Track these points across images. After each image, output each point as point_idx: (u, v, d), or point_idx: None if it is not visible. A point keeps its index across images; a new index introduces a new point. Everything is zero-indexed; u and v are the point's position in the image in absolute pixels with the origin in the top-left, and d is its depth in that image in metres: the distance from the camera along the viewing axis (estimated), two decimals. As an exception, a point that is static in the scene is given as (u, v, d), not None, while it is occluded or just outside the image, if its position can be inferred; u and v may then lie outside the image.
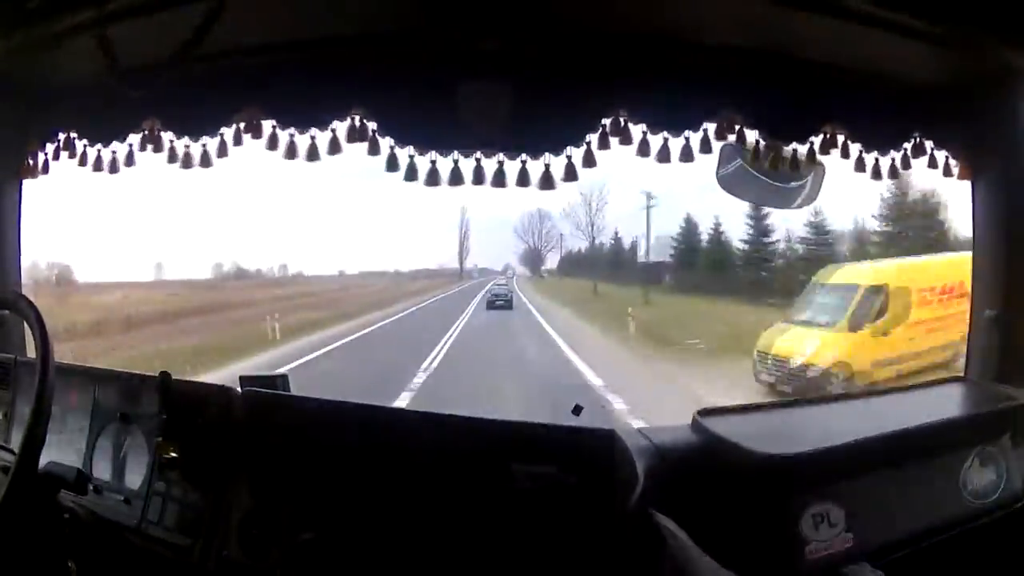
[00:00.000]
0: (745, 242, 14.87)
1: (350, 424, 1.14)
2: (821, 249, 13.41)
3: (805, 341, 7.15)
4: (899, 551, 1.03)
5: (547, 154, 1.23)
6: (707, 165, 1.31)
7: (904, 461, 1.09)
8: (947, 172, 1.39)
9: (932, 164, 1.38)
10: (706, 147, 1.26)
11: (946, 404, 1.35)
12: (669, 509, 0.93)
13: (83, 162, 1.42)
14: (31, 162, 1.49)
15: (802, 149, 1.30)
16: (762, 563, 0.95)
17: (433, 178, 1.23)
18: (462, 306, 16.24)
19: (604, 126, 1.23)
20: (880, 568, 0.96)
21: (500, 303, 15.49)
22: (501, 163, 1.24)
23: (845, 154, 1.32)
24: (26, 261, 1.64)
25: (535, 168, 1.24)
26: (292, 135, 1.24)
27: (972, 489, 1.13)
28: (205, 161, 1.31)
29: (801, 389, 6.58)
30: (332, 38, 1.23)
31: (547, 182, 1.24)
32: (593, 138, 1.23)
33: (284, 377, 1.30)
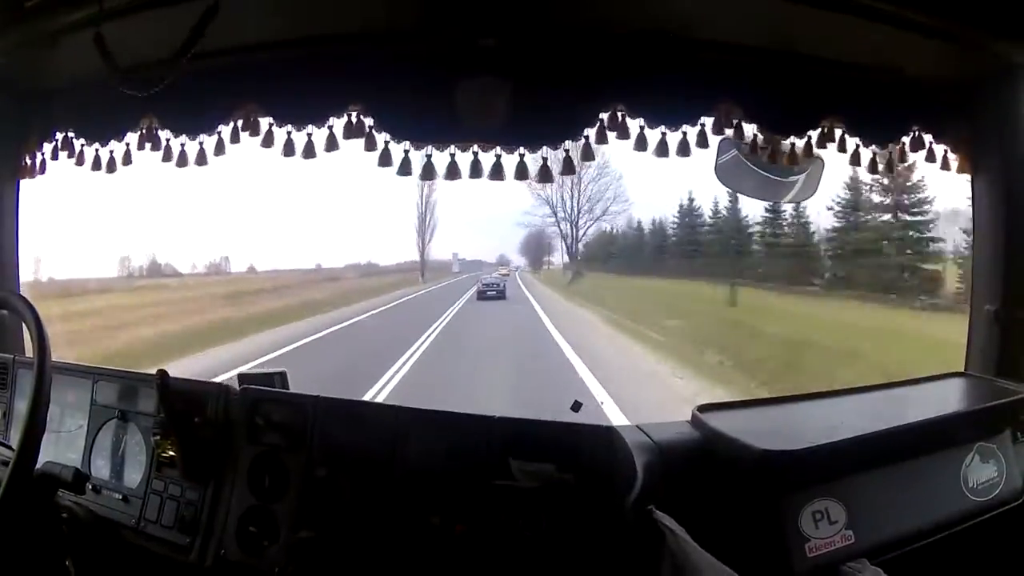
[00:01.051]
0: None
1: (347, 421, 1.14)
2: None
3: None
4: (899, 548, 1.02)
5: (545, 148, 1.23)
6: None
7: (904, 457, 1.08)
8: (946, 166, 1.39)
9: (931, 158, 1.38)
10: (703, 141, 1.26)
11: (946, 399, 1.34)
12: (668, 506, 0.93)
13: (80, 161, 1.42)
14: (28, 162, 1.49)
15: (800, 143, 1.30)
16: (762, 560, 0.94)
17: (428, 172, 1.23)
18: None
19: (602, 120, 1.23)
20: (880, 565, 0.96)
21: (492, 293, 12.18)
22: (499, 156, 1.24)
23: (843, 147, 1.32)
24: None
25: (532, 162, 1.24)
26: (289, 132, 1.24)
27: (972, 485, 1.12)
28: (201, 159, 1.31)
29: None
30: (330, 35, 1.23)
31: (545, 175, 1.24)
32: (590, 133, 1.23)
33: (282, 374, 1.29)
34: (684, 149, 1.24)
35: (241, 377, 1.24)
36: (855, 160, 1.33)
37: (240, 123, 1.27)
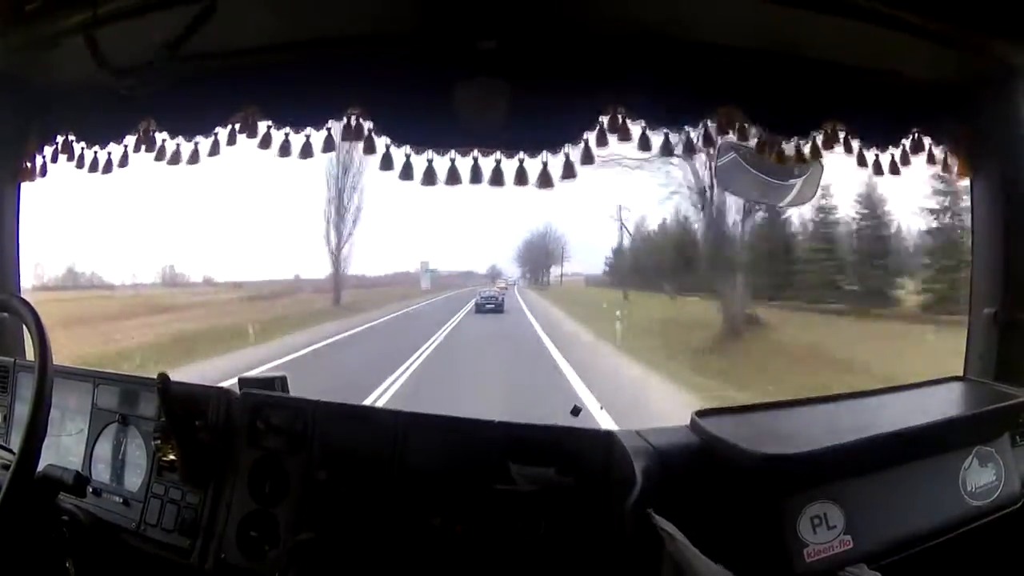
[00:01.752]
0: None
1: (348, 424, 1.14)
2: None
3: None
4: (898, 552, 1.02)
5: (545, 152, 1.22)
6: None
7: (903, 461, 1.08)
8: (946, 169, 1.39)
9: (931, 160, 1.37)
10: (708, 143, 1.25)
11: (945, 403, 1.34)
12: (667, 510, 0.93)
13: (80, 164, 1.42)
14: (29, 165, 1.49)
15: (805, 145, 1.29)
16: (761, 564, 0.94)
17: (430, 177, 1.23)
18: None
19: (602, 123, 1.22)
20: (878, 570, 0.96)
21: (490, 307, 12.44)
22: (499, 161, 1.23)
23: (848, 149, 1.31)
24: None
25: (532, 166, 1.23)
26: (287, 134, 1.24)
27: (971, 489, 1.12)
28: (194, 159, 1.31)
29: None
30: (329, 38, 1.23)
31: (545, 180, 1.24)
32: (591, 136, 1.23)
33: (283, 379, 1.30)
34: (689, 150, 1.24)
35: (242, 381, 1.24)
36: (860, 162, 1.33)
37: (238, 126, 1.26)
